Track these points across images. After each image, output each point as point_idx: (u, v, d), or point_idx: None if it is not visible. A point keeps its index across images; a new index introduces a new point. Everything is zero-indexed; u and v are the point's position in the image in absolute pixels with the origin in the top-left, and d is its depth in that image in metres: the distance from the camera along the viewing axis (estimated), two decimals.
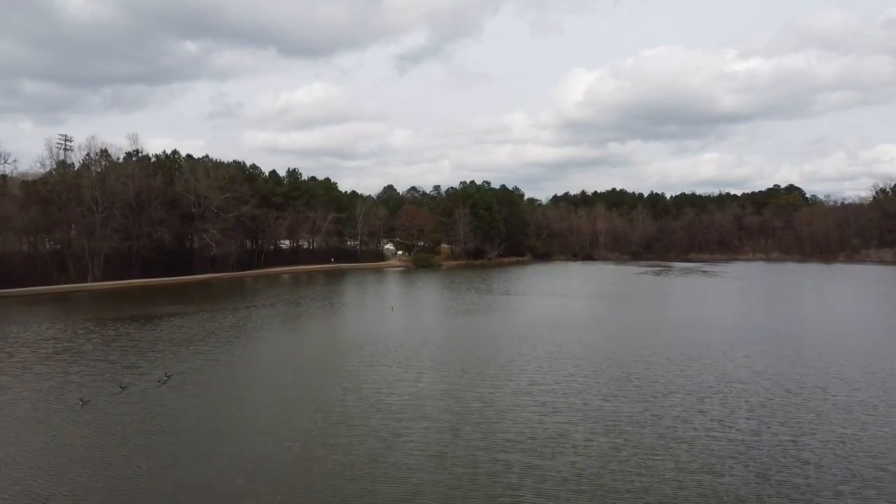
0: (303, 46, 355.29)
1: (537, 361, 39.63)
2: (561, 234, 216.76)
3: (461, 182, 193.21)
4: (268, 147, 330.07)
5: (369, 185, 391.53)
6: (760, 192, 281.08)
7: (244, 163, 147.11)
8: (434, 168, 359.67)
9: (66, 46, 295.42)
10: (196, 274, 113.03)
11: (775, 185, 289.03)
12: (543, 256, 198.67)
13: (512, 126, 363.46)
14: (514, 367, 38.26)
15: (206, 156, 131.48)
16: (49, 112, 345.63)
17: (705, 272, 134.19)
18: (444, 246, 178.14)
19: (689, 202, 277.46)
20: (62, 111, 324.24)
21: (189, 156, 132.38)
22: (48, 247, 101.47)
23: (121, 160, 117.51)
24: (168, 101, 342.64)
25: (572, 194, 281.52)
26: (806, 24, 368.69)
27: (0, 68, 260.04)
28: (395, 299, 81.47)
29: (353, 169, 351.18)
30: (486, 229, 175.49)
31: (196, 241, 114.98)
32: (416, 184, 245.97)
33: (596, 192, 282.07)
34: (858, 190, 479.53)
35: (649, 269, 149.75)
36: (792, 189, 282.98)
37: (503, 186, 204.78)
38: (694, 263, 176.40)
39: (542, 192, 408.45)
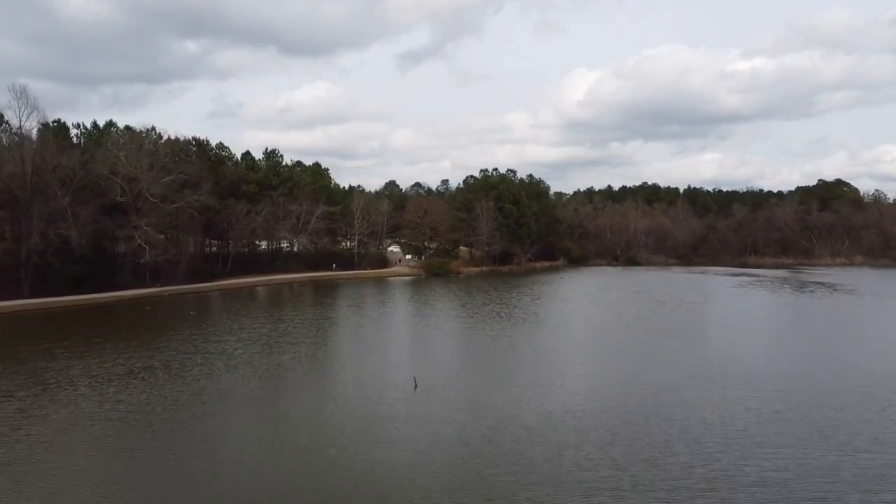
0: (304, 46, 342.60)
1: None
2: (597, 234, 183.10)
3: (482, 170, 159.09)
4: (268, 147, 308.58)
5: (369, 185, 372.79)
6: (811, 186, 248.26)
7: (206, 140, 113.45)
8: (435, 168, 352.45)
9: (65, 45, 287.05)
10: (125, 289, 79.33)
11: (820, 181, 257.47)
12: (579, 260, 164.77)
13: (513, 126, 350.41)
14: None
15: (153, 128, 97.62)
16: (48, 111, 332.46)
17: (825, 284, 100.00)
18: (462, 248, 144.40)
19: (734, 198, 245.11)
20: (61, 110, 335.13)
21: (128, 127, 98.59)
22: None
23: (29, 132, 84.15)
24: (168, 100, 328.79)
25: (597, 189, 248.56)
26: (810, 24, 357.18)
27: None
28: (412, 345, 47.80)
29: (353, 169, 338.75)
30: (513, 228, 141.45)
31: (125, 242, 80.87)
32: (408, 186, 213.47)
33: (625, 187, 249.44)
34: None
35: (731, 277, 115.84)
36: (840, 184, 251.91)
37: (530, 176, 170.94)
38: (774, 270, 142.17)
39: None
